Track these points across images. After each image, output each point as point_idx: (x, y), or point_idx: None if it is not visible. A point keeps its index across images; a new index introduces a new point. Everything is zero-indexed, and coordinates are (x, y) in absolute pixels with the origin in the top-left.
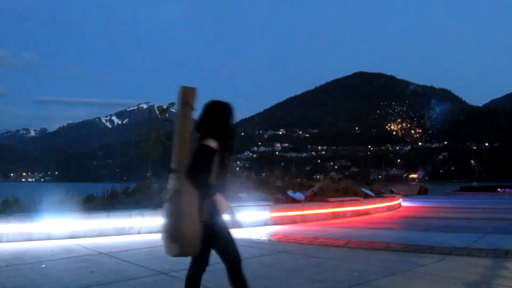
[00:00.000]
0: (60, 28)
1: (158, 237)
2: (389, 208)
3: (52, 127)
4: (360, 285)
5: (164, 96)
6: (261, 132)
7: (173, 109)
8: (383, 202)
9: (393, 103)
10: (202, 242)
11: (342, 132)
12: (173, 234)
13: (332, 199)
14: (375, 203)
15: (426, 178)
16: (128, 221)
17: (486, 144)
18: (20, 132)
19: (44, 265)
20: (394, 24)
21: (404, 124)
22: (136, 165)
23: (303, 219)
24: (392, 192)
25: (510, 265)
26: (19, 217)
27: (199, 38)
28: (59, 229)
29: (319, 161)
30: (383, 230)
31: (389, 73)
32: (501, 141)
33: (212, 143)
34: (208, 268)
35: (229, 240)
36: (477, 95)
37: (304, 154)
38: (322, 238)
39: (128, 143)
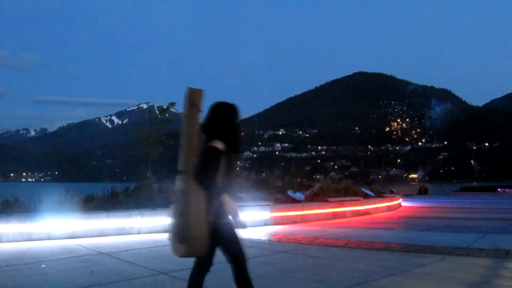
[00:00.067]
0: (60, 28)
1: (158, 237)
2: (389, 208)
3: (52, 127)
4: (360, 285)
5: (164, 96)
6: (261, 132)
7: (173, 109)
8: (383, 202)
9: (393, 103)
10: (209, 243)
11: (342, 132)
12: (180, 234)
13: (332, 199)
14: (375, 203)
15: (426, 178)
16: (128, 221)
17: (486, 144)
18: (20, 132)
19: (44, 265)
20: (394, 24)
21: (404, 124)
22: (136, 165)
23: (303, 219)
24: (392, 192)
25: (510, 265)
26: (19, 217)
27: (199, 38)
28: (59, 229)
29: (319, 161)
30: (383, 230)
31: (389, 73)
32: (501, 141)
33: (219, 145)
34: (210, 268)
35: (236, 240)
36: (477, 95)
37: (304, 154)
38: (322, 238)
39: (128, 143)
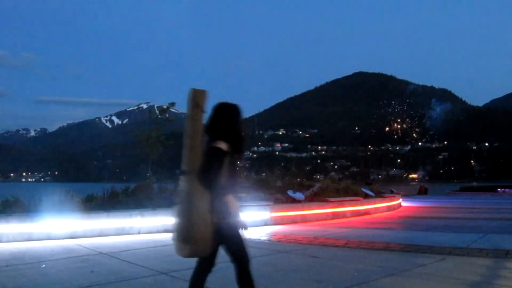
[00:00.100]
0: (60, 28)
1: (158, 237)
2: (389, 208)
3: (52, 127)
4: (360, 285)
5: (164, 96)
6: (261, 132)
7: (173, 109)
8: (383, 202)
9: (393, 103)
10: (213, 243)
11: (342, 132)
12: (184, 235)
13: (332, 199)
14: (375, 203)
15: (426, 178)
16: (128, 221)
17: (486, 144)
18: (20, 132)
19: (44, 265)
20: (394, 24)
21: (404, 124)
22: (136, 165)
23: (303, 219)
24: (392, 192)
25: (510, 265)
26: (19, 217)
27: (199, 38)
28: (59, 229)
29: (319, 161)
30: (383, 230)
31: (389, 73)
32: (501, 141)
33: (223, 145)
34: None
35: (239, 240)
36: (477, 95)
37: (304, 154)
38: (322, 238)
39: (128, 143)
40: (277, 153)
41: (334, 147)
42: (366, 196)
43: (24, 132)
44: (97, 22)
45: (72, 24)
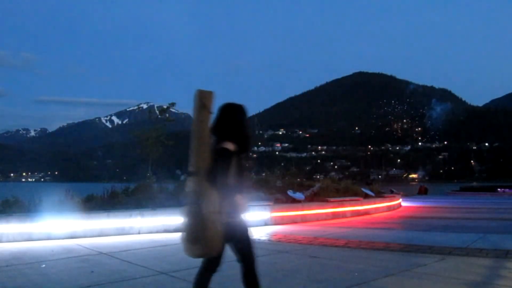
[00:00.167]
0: (60, 28)
1: (158, 237)
2: (389, 208)
3: (52, 127)
4: (360, 285)
5: (164, 96)
6: (261, 132)
7: (173, 109)
8: (383, 202)
9: (393, 103)
10: (223, 243)
11: (342, 132)
12: (195, 235)
13: (332, 199)
14: (375, 203)
15: (426, 178)
16: (128, 221)
17: (486, 144)
18: (20, 132)
19: (44, 265)
20: (394, 24)
21: (404, 124)
22: (136, 165)
23: (303, 219)
24: (392, 192)
25: (510, 265)
26: (19, 217)
27: (199, 38)
28: (59, 229)
29: (319, 161)
30: (383, 230)
31: (389, 73)
32: (501, 141)
33: (230, 146)
34: None
35: (247, 240)
36: (477, 95)
37: (304, 154)
38: (322, 238)
39: (128, 143)
40: (277, 153)
41: (334, 147)
42: (366, 196)
43: (24, 132)
44: (97, 22)
45: (72, 24)
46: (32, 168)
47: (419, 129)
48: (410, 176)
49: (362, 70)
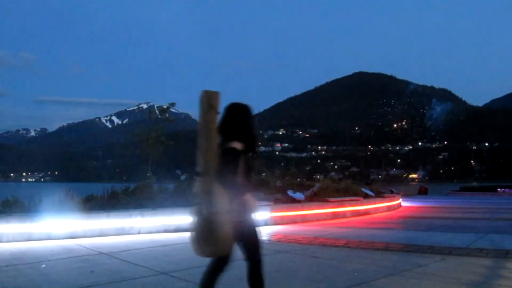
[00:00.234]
0: (60, 28)
1: (158, 237)
2: (389, 208)
3: (52, 127)
4: (360, 285)
5: (164, 96)
6: (261, 132)
7: (173, 109)
8: (383, 202)
9: (393, 102)
10: (233, 242)
11: (342, 132)
12: (206, 235)
13: (332, 199)
14: (375, 203)
15: (426, 178)
16: (128, 221)
17: (486, 144)
18: (20, 132)
19: (44, 265)
20: (394, 24)
21: (404, 124)
22: (136, 165)
23: (303, 219)
24: (392, 192)
25: (510, 265)
26: (19, 217)
27: (199, 38)
28: (59, 229)
29: (319, 161)
30: (383, 230)
31: (389, 73)
32: (501, 141)
33: (237, 145)
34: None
35: (255, 239)
36: (477, 95)
37: (304, 154)
38: (322, 238)
39: (128, 143)
40: (277, 153)
41: (334, 147)
42: (366, 196)
43: (24, 132)
44: (97, 22)
45: (71, 24)
46: (32, 168)
47: (419, 129)
48: (410, 176)
49: (362, 70)
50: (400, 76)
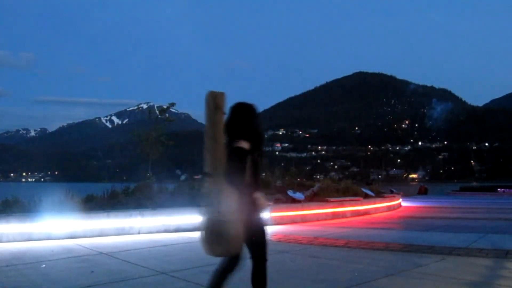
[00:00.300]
0: (60, 28)
1: (158, 237)
2: (389, 208)
3: (52, 127)
4: (360, 285)
5: (164, 96)
6: None
7: (173, 109)
8: (383, 202)
9: (393, 102)
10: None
11: (342, 132)
12: (217, 235)
13: (332, 199)
14: (375, 203)
15: (426, 178)
16: (128, 221)
17: (486, 144)
18: (20, 132)
19: (44, 265)
20: (394, 24)
21: (404, 124)
22: (136, 165)
23: (303, 219)
24: (392, 192)
25: (510, 265)
26: (19, 217)
27: (199, 38)
28: (59, 229)
29: (319, 161)
30: (383, 230)
31: (389, 73)
32: (501, 141)
33: (244, 144)
34: (210, 268)
35: (263, 239)
36: (477, 95)
37: (304, 154)
38: (322, 238)
39: (128, 143)
40: (277, 153)
41: (334, 147)
42: (366, 196)
43: (24, 132)
44: (97, 22)
45: (71, 24)
46: (32, 168)
47: (419, 129)
48: (410, 176)
49: (362, 70)
50: (400, 76)
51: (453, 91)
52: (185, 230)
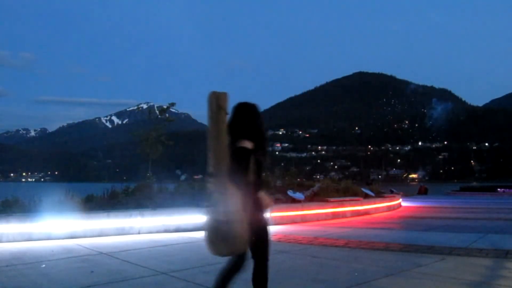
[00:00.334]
0: (60, 27)
1: (158, 237)
2: (389, 208)
3: (52, 127)
4: (360, 285)
5: (164, 96)
6: None
7: (173, 109)
8: (383, 202)
9: (393, 102)
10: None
11: (342, 132)
12: (223, 234)
13: (332, 199)
14: (375, 203)
15: (426, 178)
16: (128, 221)
17: (486, 144)
18: (20, 132)
19: (44, 265)
20: (394, 24)
21: (404, 124)
22: (136, 165)
23: (303, 219)
24: (392, 192)
25: (510, 265)
26: (19, 217)
27: (199, 38)
28: (59, 229)
29: (319, 161)
30: (383, 230)
31: (389, 73)
32: (501, 141)
33: (248, 144)
34: (210, 268)
35: (265, 238)
36: (477, 95)
37: (304, 154)
38: (322, 238)
39: (128, 143)
40: (277, 153)
41: (334, 147)
42: (366, 196)
43: (24, 132)
44: (97, 22)
45: (71, 24)
46: (32, 168)
47: (419, 129)
48: (410, 176)
49: (362, 70)
50: (400, 76)
51: (453, 91)
52: (185, 230)
